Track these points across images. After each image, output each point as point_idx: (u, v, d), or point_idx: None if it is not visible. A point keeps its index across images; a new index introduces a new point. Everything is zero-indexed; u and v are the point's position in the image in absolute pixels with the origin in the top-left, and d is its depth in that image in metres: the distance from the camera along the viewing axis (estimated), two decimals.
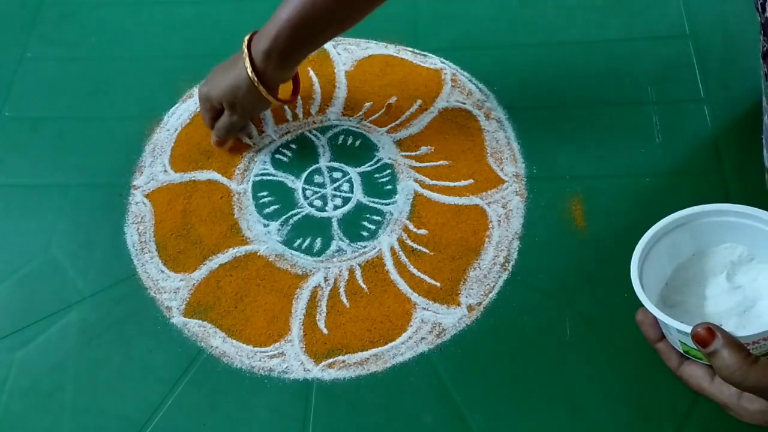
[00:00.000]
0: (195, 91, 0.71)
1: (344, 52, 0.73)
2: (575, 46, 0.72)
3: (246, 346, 0.57)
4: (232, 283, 0.60)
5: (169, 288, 0.60)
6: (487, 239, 0.61)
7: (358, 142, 0.67)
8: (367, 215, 0.63)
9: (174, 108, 0.71)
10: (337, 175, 0.65)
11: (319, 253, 0.61)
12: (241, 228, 0.63)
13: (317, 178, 0.65)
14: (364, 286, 0.59)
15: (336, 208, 0.64)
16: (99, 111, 0.71)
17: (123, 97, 0.72)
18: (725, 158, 0.64)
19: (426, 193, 0.64)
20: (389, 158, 0.66)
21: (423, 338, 0.57)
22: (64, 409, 0.55)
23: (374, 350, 0.56)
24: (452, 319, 0.57)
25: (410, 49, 0.73)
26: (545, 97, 0.69)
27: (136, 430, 0.54)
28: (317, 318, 0.58)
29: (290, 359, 0.57)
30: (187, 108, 0.70)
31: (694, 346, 0.38)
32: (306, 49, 0.59)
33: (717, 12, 0.73)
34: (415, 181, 0.64)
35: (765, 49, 0.47)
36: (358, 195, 0.64)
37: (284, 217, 0.63)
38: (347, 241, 0.62)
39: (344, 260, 0.61)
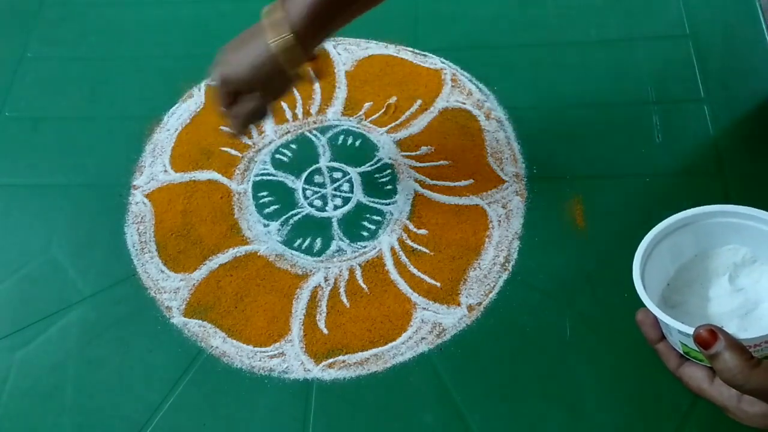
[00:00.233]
0: (195, 91, 0.72)
1: (344, 52, 0.73)
2: (575, 46, 0.72)
3: (246, 346, 0.57)
4: (232, 283, 0.60)
5: (169, 288, 0.60)
6: (487, 239, 0.61)
7: (358, 142, 0.67)
8: (367, 215, 0.63)
9: (174, 108, 0.71)
10: (337, 175, 0.65)
11: (319, 253, 0.61)
12: (241, 228, 0.63)
13: (317, 178, 0.65)
14: (364, 286, 0.59)
15: (336, 208, 0.64)
16: (99, 111, 0.71)
17: (123, 97, 0.72)
18: (725, 158, 0.63)
19: (426, 193, 0.64)
20: (389, 158, 0.66)
21: (423, 338, 0.57)
22: (64, 409, 0.55)
23: (374, 350, 0.56)
24: (452, 319, 0.57)
25: (410, 49, 0.73)
26: (545, 97, 0.69)
27: (136, 430, 0.54)
28: (317, 318, 0.58)
29: (290, 359, 0.57)
30: (187, 108, 0.70)
31: (695, 348, 0.38)
32: (349, 15, 0.53)
33: (717, 12, 0.73)
34: (415, 181, 0.64)
35: None
36: (359, 195, 0.64)
37: (284, 217, 0.64)
38: (347, 241, 0.62)
39: (344, 260, 0.61)
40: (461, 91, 0.70)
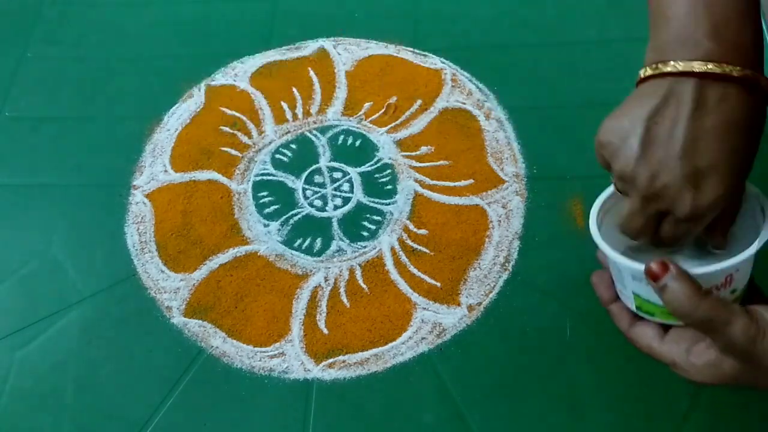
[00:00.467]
0: (195, 91, 0.71)
1: (344, 52, 0.73)
2: (575, 46, 0.72)
3: (246, 346, 0.57)
4: (232, 283, 0.60)
5: (170, 288, 0.60)
6: (487, 239, 0.61)
7: (358, 142, 0.67)
8: (368, 215, 0.63)
9: (174, 108, 0.71)
10: (337, 175, 0.65)
11: (319, 253, 0.61)
12: (241, 228, 0.63)
13: (317, 178, 0.65)
14: (364, 286, 0.59)
15: (336, 208, 0.64)
16: (99, 111, 0.71)
17: (123, 97, 0.72)
18: None
19: (426, 193, 0.64)
20: (389, 158, 0.66)
21: (423, 338, 0.57)
22: (64, 409, 0.55)
23: (374, 350, 0.56)
24: (452, 319, 0.57)
25: (410, 49, 0.73)
26: (545, 97, 0.69)
27: (136, 430, 0.54)
28: (317, 318, 0.58)
29: (290, 359, 0.57)
30: (187, 108, 0.70)
31: (648, 298, 0.37)
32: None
33: None
34: (416, 181, 0.64)
35: None
36: (359, 195, 0.64)
37: (284, 217, 0.64)
38: (347, 241, 0.62)
39: (344, 260, 0.61)
40: (461, 91, 0.70)
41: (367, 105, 0.69)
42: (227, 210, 0.64)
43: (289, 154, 0.67)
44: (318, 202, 0.64)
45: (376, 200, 0.64)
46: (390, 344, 0.57)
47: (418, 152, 0.66)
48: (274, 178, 0.66)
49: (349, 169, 0.66)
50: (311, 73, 0.72)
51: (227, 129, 0.69)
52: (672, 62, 0.36)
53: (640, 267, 0.37)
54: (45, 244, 0.63)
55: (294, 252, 0.62)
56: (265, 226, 0.63)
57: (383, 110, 0.69)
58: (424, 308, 0.58)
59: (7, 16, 0.79)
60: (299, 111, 0.70)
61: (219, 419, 0.54)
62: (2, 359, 0.58)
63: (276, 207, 0.64)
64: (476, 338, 0.56)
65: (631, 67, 0.69)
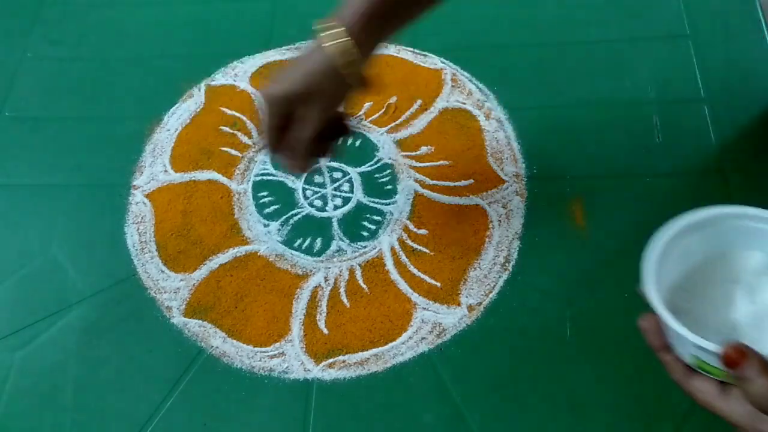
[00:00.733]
0: (195, 91, 0.72)
1: None
2: (575, 46, 0.72)
3: (246, 346, 0.57)
4: (232, 283, 0.60)
5: (170, 288, 0.60)
6: (487, 239, 0.61)
7: (358, 142, 0.67)
8: (368, 215, 0.63)
9: (174, 108, 0.71)
10: (337, 175, 0.65)
11: (319, 253, 0.61)
12: (241, 228, 0.63)
13: (317, 178, 0.65)
14: (364, 286, 0.59)
15: (336, 208, 0.64)
16: (99, 111, 0.71)
17: (123, 97, 0.72)
18: (725, 158, 0.64)
19: (426, 193, 0.64)
20: (389, 158, 0.66)
21: (423, 338, 0.57)
22: (64, 409, 0.55)
23: (374, 350, 0.56)
24: (452, 319, 0.57)
25: (410, 49, 0.73)
26: (545, 97, 0.69)
27: (136, 430, 0.54)
28: (317, 318, 0.58)
29: (290, 359, 0.57)
30: (187, 108, 0.70)
31: (712, 363, 0.35)
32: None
33: (717, 12, 0.73)
34: (416, 181, 0.64)
35: None
36: (359, 195, 0.64)
37: (284, 217, 0.63)
38: (347, 241, 0.62)
39: (344, 260, 0.61)
40: (461, 91, 0.70)
41: (367, 105, 0.69)
42: (227, 210, 0.64)
43: None
44: (318, 202, 0.64)
45: (376, 200, 0.64)
46: (390, 344, 0.57)
47: (418, 152, 0.66)
48: (274, 178, 0.66)
49: (349, 169, 0.66)
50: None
51: (227, 129, 0.69)
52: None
53: (713, 348, 0.35)
54: (45, 244, 0.63)
55: (294, 252, 0.62)
56: (265, 226, 0.63)
57: (383, 110, 0.69)
58: (424, 308, 0.58)
59: (7, 16, 0.79)
60: None
61: (219, 419, 0.54)
62: (2, 359, 0.58)
63: (276, 207, 0.64)
64: (476, 338, 0.56)
65: (631, 67, 0.70)
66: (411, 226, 0.62)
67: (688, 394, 0.38)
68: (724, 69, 0.69)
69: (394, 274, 0.60)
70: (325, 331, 0.58)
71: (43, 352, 0.58)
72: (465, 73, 0.71)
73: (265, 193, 0.65)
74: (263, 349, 0.57)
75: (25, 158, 0.69)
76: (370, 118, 0.68)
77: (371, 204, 0.64)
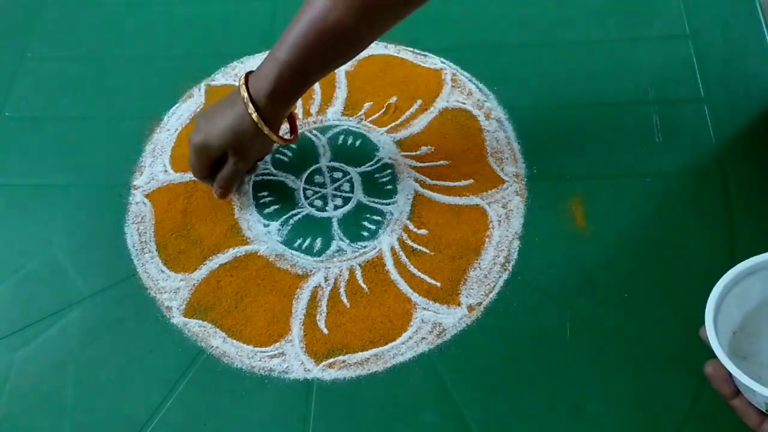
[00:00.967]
0: (195, 91, 0.72)
1: None
2: (575, 46, 0.72)
3: (246, 346, 0.57)
4: (232, 283, 0.60)
5: (170, 288, 0.60)
6: (487, 239, 0.61)
7: (358, 142, 0.67)
8: (368, 215, 0.63)
9: (174, 108, 0.71)
10: (337, 175, 0.65)
11: (319, 253, 0.61)
12: (241, 228, 0.63)
13: (318, 178, 0.65)
14: (364, 286, 0.59)
15: (336, 208, 0.64)
16: (99, 111, 0.71)
17: (123, 97, 0.72)
18: (725, 158, 0.64)
19: (426, 193, 0.64)
20: (389, 158, 0.66)
21: (423, 338, 0.57)
22: (64, 409, 0.55)
23: (374, 350, 0.56)
24: (452, 319, 0.57)
25: (410, 49, 0.73)
26: (545, 97, 0.69)
27: (136, 430, 0.54)
28: (317, 318, 0.58)
29: (290, 359, 0.57)
30: (187, 108, 0.70)
31: None
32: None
33: (717, 12, 0.73)
34: (416, 181, 0.64)
35: None
36: (359, 195, 0.64)
37: (284, 217, 0.64)
38: (347, 241, 0.62)
39: (344, 260, 0.61)
40: (461, 91, 0.70)
41: (367, 105, 0.69)
42: (227, 210, 0.64)
43: (290, 153, 0.67)
44: (318, 202, 0.64)
45: (376, 200, 0.64)
46: (390, 344, 0.57)
47: (418, 152, 0.66)
48: (275, 178, 0.66)
49: (349, 169, 0.66)
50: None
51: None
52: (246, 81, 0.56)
53: None
54: (45, 244, 0.63)
55: (294, 252, 0.62)
56: (265, 226, 0.63)
57: (383, 110, 0.69)
58: (424, 308, 0.58)
59: (7, 16, 0.79)
60: (299, 111, 0.69)
61: (219, 419, 0.54)
62: (2, 359, 0.58)
63: (276, 207, 0.64)
64: (476, 338, 0.56)
65: (631, 67, 0.70)
66: (411, 226, 0.62)
67: None
68: (724, 69, 0.69)
69: (394, 274, 0.60)
70: (325, 331, 0.58)
71: (43, 352, 0.58)
72: (465, 73, 0.71)
73: (265, 193, 0.65)
74: (263, 349, 0.57)
75: (25, 158, 0.69)
76: (370, 118, 0.68)
77: (371, 204, 0.64)
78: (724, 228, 0.60)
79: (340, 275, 0.60)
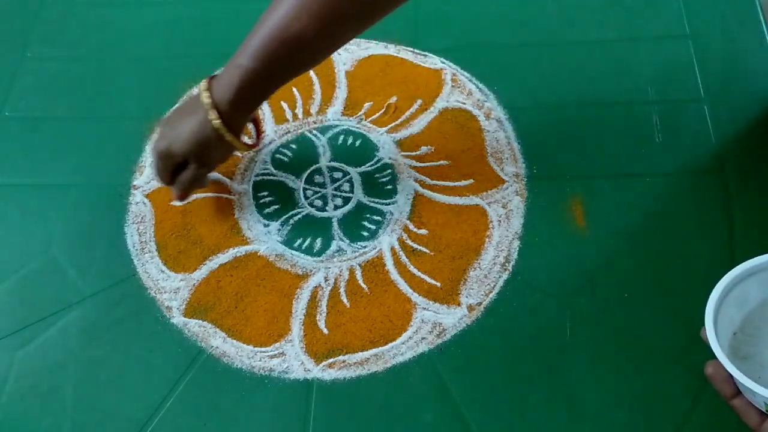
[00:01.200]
0: (195, 91, 0.71)
1: (344, 52, 0.73)
2: (575, 46, 0.72)
3: (246, 346, 0.57)
4: (232, 283, 0.60)
5: (170, 288, 0.60)
6: (487, 239, 0.61)
7: (358, 142, 0.67)
8: (368, 215, 0.63)
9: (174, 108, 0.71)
10: (337, 175, 0.65)
11: (319, 253, 0.61)
12: (241, 228, 0.63)
13: (318, 178, 0.65)
14: (364, 286, 0.59)
15: (336, 208, 0.64)
16: (99, 111, 0.71)
17: (123, 97, 0.72)
18: (725, 158, 0.64)
19: (426, 193, 0.64)
20: (389, 158, 0.66)
21: (423, 338, 0.57)
22: (64, 409, 0.55)
23: (374, 350, 0.56)
24: (452, 319, 0.57)
25: (410, 49, 0.73)
26: (545, 97, 0.69)
27: (136, 430, 0.54)
28: (317, 318, 0.58)
29: (290, 359, 0.57)
30: None
31: None
32: (274, 90, 0.56)
33: (717, 12, 0.73)
34: (416, 181, 0.64)
35: None
36: (359, 195, 0.64)
37: (284, 217, 0.64)
38: (347, 241, 0.62)
39: (344, 260, 0.61)
40: (461, 91, 0.70)
41: (367, 105, 0.69)
42: (227, 210, 0.64)
43: (290, 153, 0.67)
44: (318, 202, 0.64)
45: (376, 200, 0.64)
46: (390, 344, 0.57)
47: (418, 152, 0.66)
48: (275, 178, 0.66)
49: (349, 169, 0.66)
50: (311, 72, 0.72)
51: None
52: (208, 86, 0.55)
53: None
54: (45, 244, 0.63)
55: (294, 252, 0.62)
56: (265, 226, 0.63)
57: (383, 110, 0.69)
58: (424, 308, 0.58)
59: (7, 16, 0.79)
60: (299, 111, 0.70)
61: (219, 419, 0.54)
62: (2, 359, 0.58)
63: (276, 207, 0.64)
64: (476, 338, 0.56)
65: (631, 67, 0.70)
66: (411, 226, 0.62)
67: None
68: (724, 69, 0.69)
69: (394, 274, 0.60)
70: (325, 331, 0.58)
71: (43, 352, 0.58)
72: (465, 73, 0.71)
73: (265, 193, 0.65)
74: (263, 349, 0.57)
75: (25, 158, 0.69)
76: (370, 118, 0.68)
77: (371, 204, 0.64)
78: (724, 228, 0.60)
79: (340, 275, 0.60)
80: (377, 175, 0.65)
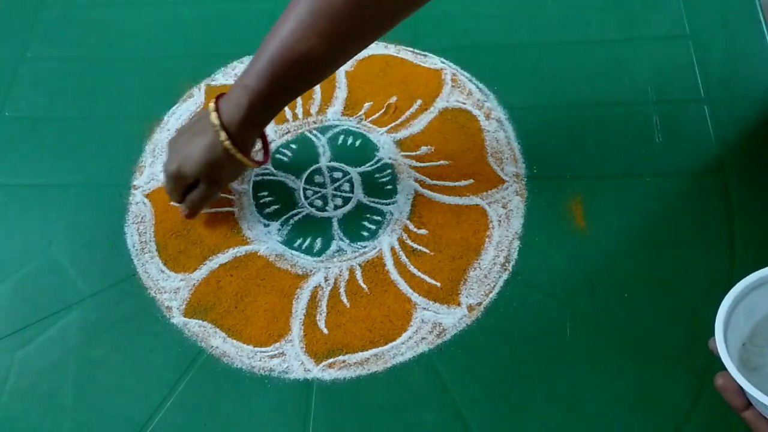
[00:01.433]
0: (195, 91, 0.72)
1: None
2: (575, 46, 0.72)
3: (246, 346, 0.57)
4: (232, 283, 0.60)
5: (170, 288, 0.60)
6: (487, 239, 0.61)
7: (358, 142, 0.67)
8: (368, 215, 0.63)
9: (174, 108, 0.71)
10: (337, 174, 0.65)
11: (319, 253, 0.61)
12: (241, 228, 0.63)
13: (318, 178, 0.65)
14: (364, 286, 0.59)
15: (336, 207, 0.64)
16: (99, 111, 0.71)
17: (123, 97, 0.72)
18: (725, 158, 0.64)
19: (426, 193, 0.64)
20: (389, 158, 0.66)
21: (423, 338, 0.57)
22: (64, 409, 0.55)
23: (374, 350, 0.56)
24: (452, 319, 0.57)
25: (410, 49, 0.73)
26: (545, 97, 0.69)
27: (136, 430, 0.54)
28: (317, 318, 0.58)
29: (290, 359, 0.57)
30: (187, 108, 0.70)
31: None
32: (282, 107, 0.57)
33: (717, 12, 0.73)
34: (416, 181, 0.64)
35: None
36: (359, 195, 0.64)
37: (284, 217, 0.64)
38: (347, 241, 0.62)
39: (344, 260, 0.61)
40: (461, 91, 0.70)
41: (367, 105, 0.69)
42: (227, 210, 0.64)
43: (290, 153, 0.67)
44: (318, 202, 0.64)
45: (376, 200, 0.64)
46: (390, 344, 0.57)
47: (418, 152, 0.66)
48: (275, 178, 0.66)
49: (349, 169, 0.66)
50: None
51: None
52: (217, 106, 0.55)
53: None
54: (45, 244, 0.63)
55: (294, 252, 0.62)
56: (266, 226, 0.63)
57: (383, 110, 0.69)
58: (424, 308, 0.58)
59: (7, 16, 0.79)
60: (299, 111, 0.70)
61: (219, 419, 0.54)
62: (2, 359, 0.58)
63: (276, 207, 0.64)
64: (476, 338, 0.56)
65: (631, 67, 0.70)
66: (411, 226, 0.62)
67: None
68: (724, 69, 0.69)
69: (394, 274, 0.60)
70: (325, 331, 0.58)
71: (43, 352, 0.58)
72: (465, 73, 0.71)
73: (265, 193, 0.65)
74: (263, 349, 0.57)
75: (25, 158, 0.69)
76: (370, 118, 0.68)
77: (371, 204, 0.64)
78: (724, 228, 0.60)
79: (340, 275, 0.60)
80: (377, 175, 0.65)
